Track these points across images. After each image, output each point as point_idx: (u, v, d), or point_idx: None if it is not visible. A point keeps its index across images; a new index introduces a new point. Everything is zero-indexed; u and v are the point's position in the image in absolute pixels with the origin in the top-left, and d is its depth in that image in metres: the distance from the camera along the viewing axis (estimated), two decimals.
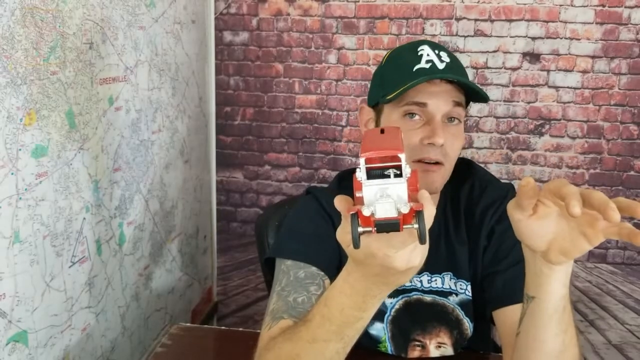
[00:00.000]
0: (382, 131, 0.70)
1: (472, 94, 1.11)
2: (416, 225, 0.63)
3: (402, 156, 0.64)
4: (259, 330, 1.08)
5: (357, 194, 0.67)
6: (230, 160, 2.44)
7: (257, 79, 2.36)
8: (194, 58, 2.14)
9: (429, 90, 1.06)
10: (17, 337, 1.18)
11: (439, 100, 1.06)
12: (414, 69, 1.07)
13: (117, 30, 1.54)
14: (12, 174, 1.14)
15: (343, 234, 0.72)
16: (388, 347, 1.19)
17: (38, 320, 1.24)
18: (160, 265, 1.93)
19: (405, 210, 0.62)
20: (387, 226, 0.63)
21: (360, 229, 0.64)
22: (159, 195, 1.88)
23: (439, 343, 1.19)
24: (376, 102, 1.14)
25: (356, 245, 0.65)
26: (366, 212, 0.63)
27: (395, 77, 1.09)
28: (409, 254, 0.69)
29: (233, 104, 2.39)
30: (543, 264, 0.82)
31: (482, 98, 1.11)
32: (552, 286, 0.83)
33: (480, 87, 2.20)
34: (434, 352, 1.19)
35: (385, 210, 0.63)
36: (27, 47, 1.16)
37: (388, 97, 1.07)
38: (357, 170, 0.65)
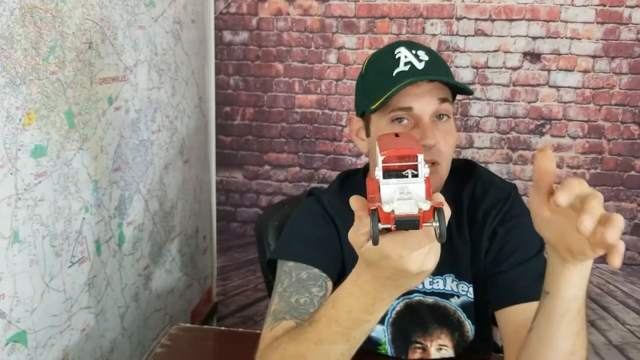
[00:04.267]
0: (397, 135, 0.72)
1: (457, 87, 1.11)
2: (436, 223, 0.64)
3: (421, 156, 0.65)
4: (258, 331, 1.08)
5: (371, 195, 0.67)
6: (230, 160, 2.43)
7: (257, 79, 2.36)
8: (193, 58, 2.14)
9: (411, 93, 1.05)
10: (17, 338, 1.17)
11: (423, 101, 1.05)
12: (394, 74, 1.06)
13: (116, 29, 1.54)
14: (11, 174, 1.13)
15: (356, 235, 0.71)
16: (388, 349, 1.19)
17: (37, 320, 1.24)
18: (160, 265, 1.93)
19: (426, 207, 0.63)
20: (407, 223, 0.63)
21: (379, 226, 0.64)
22: (158, 195, 1.88)
23: (440, 345, 1.19)
24: (363, 111, 1.13)
25: (376, 241, 0.64)
26: (387, 208, 0.63)
27: (377, 84, 1.08)
28: (423, 256, 0.68)
29: (233, 104, 2.39)
30: (557, 260, 0.82)
31: (467, 91, 1.10)
32: (563, 284, 0.83)
33: (477, 84, 2.21)
34: (434, 354, 1.18)
35: (405, 208, 0.63)
36: (26, 46, 1.16)
37: (372, 108, 1.06)
38: (377, 169, 0.66)
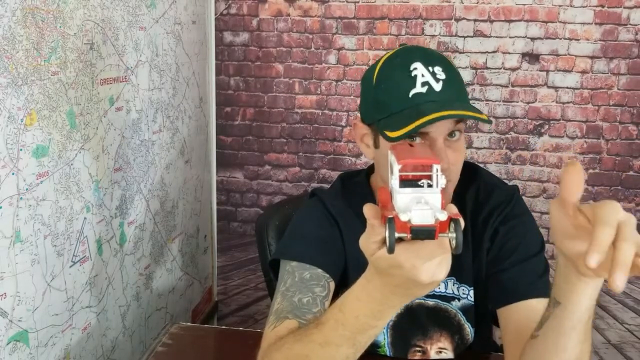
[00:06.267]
0: (411, 145, 0.72)
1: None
2: (452, 234, 0.64)
3: (437, 166, 0.65)
4: (259, 330, 1.08)
5: (383, 204, 0.68)
6: (230, 160, 2.44)
7: (257, 80, 2.37)
8: (194, 58, 2.15)
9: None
10: (18, 337, 1.18)
11: (440, 125, 1.01)
12: (410, 95, 1.02)
13: (117, 30, 1.55)
14: (13, 174, 1.14)
15: (367, 243, 0.71)
16: (387, 351, 1.19)
17: (39, 319, 1.24)
18: (161, 264, 1.94)
19: (443, 217, 0.62)
20: (423, 233, 0.63)
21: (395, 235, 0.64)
22: (159, 195, 1.89)
23: (439, 348, 1.19)
24: (371, 122, 1.09)
25: (392, 250, 0.64)
26: (403, 217, 0.63)
27: (391, 102, 1.04)
28: (435, 266, 0.68)
29: (233, 104, 2.40)
30: (572, 272, 0.79)
31: (487, 122, 1.04)
32: (579, 297, 0.81)
33: (476, 85, 2.21)
34: (434, 357, 1.18)
35: (422, 217, 0.63)
36: (28, 47, 1.17)
37: (391, 137, 1.00)
38: (392, 178, 0.65)
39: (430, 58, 1.06)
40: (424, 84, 1.02)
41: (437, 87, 1.02)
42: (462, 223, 0.65)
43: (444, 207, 0.65)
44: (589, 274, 0.76)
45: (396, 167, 0.65)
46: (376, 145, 1.11)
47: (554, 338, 0.88)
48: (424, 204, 0.63)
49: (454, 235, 0.64)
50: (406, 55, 1.07)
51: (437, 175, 0.65)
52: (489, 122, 1.05)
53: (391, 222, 0.64)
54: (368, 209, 0.70)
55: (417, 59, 1.04)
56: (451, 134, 1.05)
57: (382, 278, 0.73)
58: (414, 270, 0.68)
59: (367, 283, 0.77)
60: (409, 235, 0.63)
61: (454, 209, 0.66)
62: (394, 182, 0.65)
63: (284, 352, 0.92)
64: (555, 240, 0.79)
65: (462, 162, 1.09)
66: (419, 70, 1.03)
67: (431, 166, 0.65)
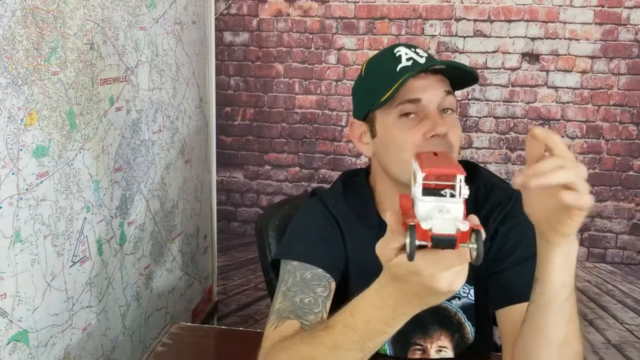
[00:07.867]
0: (435, 154, 0.73)
1: (459, 81, 1.12)
2: (472, 245, 0.64)
3: (461, 177, 0.65)
4: (259, 330, 1.08)
5: (405, 211, 0.68)
6: (230, 160, 2.44)
7: (257, 80, 2.37)
8: (194, 58, 2.15)
9: (418, 85, 1.06)
10: (18, 337, 1.18)
11: (430, 92, 1.06)
12: (398, 69, 1.07)
13: (117, 30, 1.55)
14: (13, 174, 1.14)
15: (385, 249, 0.71)
16: (387, 350, 1.19)
17: (39, 319, 1.24)
18: (161, 264, 1.94)
19: (464, 228, 0.63)
20: (444, 242, 0.63)
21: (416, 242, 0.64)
22: (159, 195, 1.89)
23: (439, 347, 1.19)
24: (366, 112, 1.13)
25: (411, 257, 0.65)
26: (425, 225, 0.63)
27: (381, 82, 1.08)
28: (453, 275, 0.68)
29: (233, 104, 2.40)
30: (543, 244, 0.84)
31: (472, 80, 1.11)
32: (550, 268, 0.84)
33: (476, 85, 2.21)
34: (434, 356, 1.19)
35: (444, 226, 0.63)
36: (28, 47, 1.17)
37: (381, 100, 1.06)
38: (415, 186, 0.66)
39: (412, 45, 1.15)
40: (408, 59, 1.09)
41: (421, 60, 1.09)
42: (484, 234, 0.65)
43: (465, 217, 0.65)
44: (553, 238, 0.82)
45: (420, 175, 0.65)
46: (373, 134, 1.13)
47: (536, 315, 0.90)
48: (446, 213, 0.64)
49: (475, 246, 0.64)
50: (388, 47, 1.15)
51: (460, 186, 0.65)
52: (476, 77, 1.11)
53: (412, 229, 0.64)
54: (390, 216, 0.70)
55: (399, 45, 1.13)
56: (444, 111, 1.09)
57: (398, 285, 0.73)
58: (432, 279, 0.68)
59: (381, 289, 0.77)
60: (430, 244, 0.64)
61: (475, 220, 0.66)
62: (417, 189, 0.66)
63: (289, 353, 0.92)
64: (525, 209, 0.85)
65: (460, 139, 1.12)
66: (402, 51, 1.10)
67: (455, 176, 0.65)
